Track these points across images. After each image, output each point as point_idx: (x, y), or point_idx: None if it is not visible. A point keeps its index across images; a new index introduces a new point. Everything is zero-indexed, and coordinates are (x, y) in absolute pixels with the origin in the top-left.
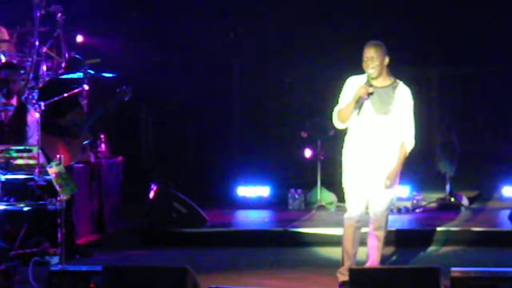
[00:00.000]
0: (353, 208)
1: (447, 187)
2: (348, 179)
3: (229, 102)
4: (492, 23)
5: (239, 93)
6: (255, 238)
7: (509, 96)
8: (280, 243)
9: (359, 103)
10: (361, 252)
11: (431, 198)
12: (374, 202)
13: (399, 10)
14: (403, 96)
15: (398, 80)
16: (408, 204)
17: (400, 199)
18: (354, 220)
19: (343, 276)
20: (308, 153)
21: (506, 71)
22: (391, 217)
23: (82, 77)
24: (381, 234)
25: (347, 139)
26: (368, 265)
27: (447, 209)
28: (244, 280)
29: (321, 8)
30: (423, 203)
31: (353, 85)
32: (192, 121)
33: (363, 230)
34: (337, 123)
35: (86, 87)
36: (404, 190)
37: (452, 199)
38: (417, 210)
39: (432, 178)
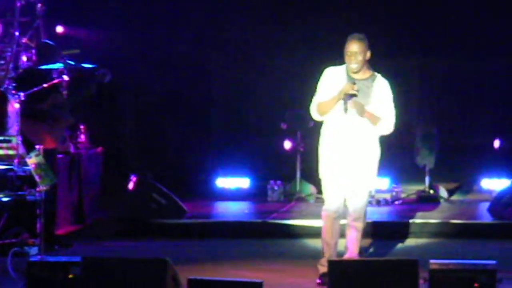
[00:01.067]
0: (331, 199)
1: (427, 180)
2: (325, 171)
3: (208, 94)
4: (472, 17)
5: (219, 84)
6: (234, 230)
7: (488, 89)
8: (259, 235)
9: (345, 101)
10: (341, 244)
11: (411, 191)
12: (352, 194)
13: (379, 2)
14: (382, 88)
15: (376, 73)
16: (388, 196)
17: (379, 191)
18: (332, 211)
19: (323, 267)
20: (287, 144)
21: (486, 64)
22: (370, 209)
23: (61, 67)
24: (360, 225)
25: (324, 131)
26: (346, 256)
27: (426, 201)
28: (223, 272)
29: (299, 0)
30: (403, 195)
31: (331, 76)
32: (171, 113)
33: (342, 222)
34: (316, 115)
35: (66, 78)
36: (384, 182)
37: (431, 192)
38: (396, 202)
39: (412, 171)
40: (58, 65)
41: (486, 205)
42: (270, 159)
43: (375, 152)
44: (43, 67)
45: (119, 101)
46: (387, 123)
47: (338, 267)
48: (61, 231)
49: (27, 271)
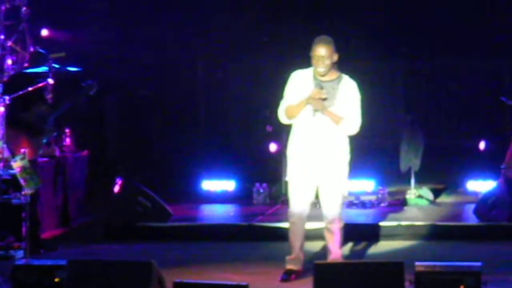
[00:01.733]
0: (296, 202)
1: (412, 182)
2: (293, 173)
3: (194, 96)
4: (458, 19)
5: (204, 87)
6: (220, 233)
7: (473, 90)
8: (245, 238)
9: (313, 105)
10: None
11: (396, 193)
12: (326, 198)
13: (362, 5)
14: (348, 89)
15: (343, 74)
16: (373, 198)
17: (365, 193)
18: (296, 214)
19: (288, 264)
20: (273, 147)
21: (472, 66)
22: (356, 212)
23: (47, 71)
24: (336, 227)
25: (293, 134)
26: (330, 259)
27: (411, 203)
28: (209, 275)
29: (285, 3)
30: (388, 197)
31: (298, 79)
32: (157, 116)
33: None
34: (284, 119)
35: (51, 81)
36: (369, 185)
37: (417, 193)
38: (382, 204)
39: (397, 173)
40: (44, 68)
41: (471, 207)
42: (255, 162)
43: (345, 153)
44: (28, 70)
45: (105, 105)
46: (351, 123)
47: (324, 269)
48: (47, 235)
49: (12, 275)
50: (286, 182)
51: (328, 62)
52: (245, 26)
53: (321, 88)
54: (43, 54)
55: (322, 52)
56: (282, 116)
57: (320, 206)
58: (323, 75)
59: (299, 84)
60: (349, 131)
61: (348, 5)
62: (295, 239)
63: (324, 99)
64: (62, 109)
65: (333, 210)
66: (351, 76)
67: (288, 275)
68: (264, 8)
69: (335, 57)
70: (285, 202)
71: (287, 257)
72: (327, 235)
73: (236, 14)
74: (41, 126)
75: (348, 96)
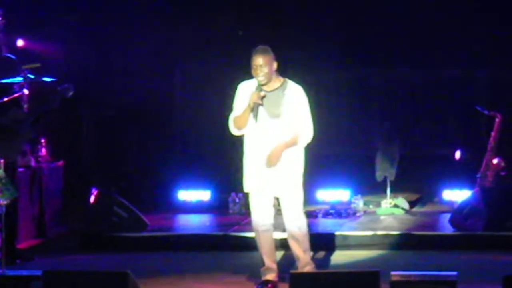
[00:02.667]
0: (255, 214)
1: (388, 191)
2: (249, 185)
3: (170, 106)
4: (434, 27)
5: (180, 96)
6: (195, 242)
7: (449, 99)
8: (221, 247)
9: (254, 110)
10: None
11: (372, 202)
12: (284, 206)
13: (337, 13)
14: (293, 95)
15: (287, 80)
16: (349, 208)
17: (340, 202)
18: (258, 225)
19: (264, 275)
20: None
21: (447, 75)
22: (331, 221)
23: (22, 81)
24: (298, 234)
25: (245, 146)
26: (300, 266)
27: (387, 213)
28: (184, 285)
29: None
30: (363, 207)
31: (244, 91)
32: (132, 125)
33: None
34: (234, 130)
35: (26, 91)
36: (344, 194)
37: (393, 203)
38: (357, 214)
39: (373, 182)
40: (18, 79)
41: (447, 216)
42: (231, 172)
43: (297, 161)
44: (3, 81)
45: (80, 114)
46: (304, 134)
47: (299, 279)
48: (23, 245)
49: None
50: None
51: (266, 70)
52: (221, 37)
53: (260, 90)
54: (13, 60)
55: (260, 61)
56: (232, 128)
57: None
58: (263, 84)
59: (244, 95)
60: (306, 141)
61: (323, 13)
62: (263, 250)
63: (264, 97)
64: (39, 112)
65: (295, 219)
66: (296, 82)
67: (264, 285)
68: (237, 15)
69: (275, 65)
70: None
71: (261, 269)
72: (292, 243)
73: (211, 25)
74: (18, 130)
75: (295, 101)
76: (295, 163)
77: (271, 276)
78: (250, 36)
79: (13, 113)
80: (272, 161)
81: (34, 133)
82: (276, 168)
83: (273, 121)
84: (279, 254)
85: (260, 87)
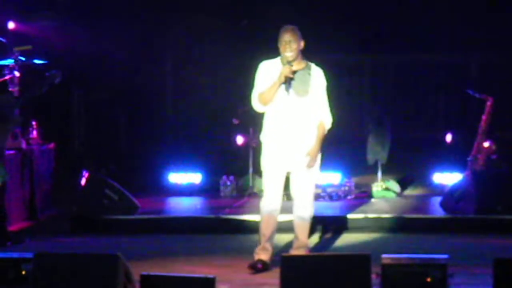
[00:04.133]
0: (270, 190)
1: (379, 174)
2: (269, 161)
3: (161, 89)
4: (426, 11)
5: (172, 79)
6: (187, 225)
7: (440, 83)
8: (212, 230)
9: (285, 84)
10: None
11: (363, 185)
12: (296, 184)
13: None
14: (318, 77)
15: (310, 63)
16: (340, 190)
17: (331, 185)
18: (269, 203)
19: (257, 255)
20: (240, 140)
21: (438, 59)
22: (323, 204)
23: (13, 63)
24: (306, 214)
25: (266, 122)
26: (295, 247)
27: (378, 196)
28: (176, 267)
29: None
30: (355, 190)
31: (267, 69)
32: (123, 108)
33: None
34: (258, 106)
35: (17, 74)
36: (335, 177)
37: (384, 186)
38: (349, 197)
39: (363, 165)
40: (9, 61)
41: (438, 199)
42: (222, 155)
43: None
44: None
45: (71, 97)
46: (328, 120)
47: (291, 262)
48: (14, 227)
49: None
50: (253, 175)
51: (295, 46)
52: (210, 21)
53: (291, 65)
54: (5, 44)
55: (289, 36)
56: (256, 103)
57: (287, 198)
58: (291, 61)
59: (268, 73)
60: (328, 125)
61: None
62: (266, 228)
63: (295, 72)
64: (27, 98)
65: (306, 198)
66: (317, 64)
67: (255, 263)
68: (222, 4)
69: (302, 44)
70: (252, 195)
71: (256, 249)
72: (297, 222)
73: (200, 10)
74: (7, 114)
75: (319, 84)
76: (313, 141)
77: (264, 256)
78: (239, 22)
79: (3, 98)
80: (312, 162)
81: (23, 119)
82: (295, 146)
83: (298, 99)
84: (278, 237)
85: (290, 62)
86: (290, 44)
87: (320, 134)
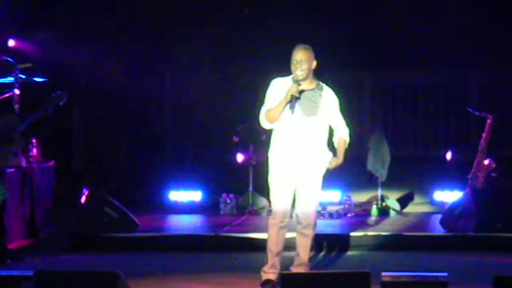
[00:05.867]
0: (278, 207)
1: (379, 192)
2: (275, 178)
3: (161, 107)
4: (424, 29)
5: (172, 97)
6: (186, 243)
7: (440, 100)
8: (212, 248)
9: (291, 102)
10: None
11: (363, 203)
12: (301, 201)
13: (331, 13)
14: (330, 98)
15: (322, 83)
16: (340, 208)
17: (331, 203)
18: (278, 220)
19: (266, 274)
20: (240, 157)
21: (438, 76)
22: (323, 222)
23: (13, 81)
24: (310, 232)
25: (274, 140)
26: (296, 264)
27: (378, 213)
28: (175, 285)
29: (253, 12)
30: (355, 207)
31: (278, 86)
32: (124, 126)
33: (291, 234)
34: (266, 123)
35: (17, 91)
36: (336, 195)
37: (384, 204)
38: (349, 215)
39: (364, 183)
40: (10, 79)
41: (438, 217)
42: (222, 172)
43: (324, 158)
44: None
45: (72, 115)
46: (348, 135)
47: (291, 279)
48: (13, 245)
49: None
50: (252, 192)
51: (306, 66)
52: (211, 35)
53: (299, 84)
54: (11, 63)
55: (300, 56)
56: (264, 120)
57: (291, 215)
58: (301, 80)
59: (279, 90)
60: (348, 139)
61: (317, 15)
62: (275, 246)
63: (302, 92)
64: (32, 120)
65: (310, 215)
66: (328, 85)
67: (267, 285)
68: (225, 18)
69: (314, 64)
70: (252, 212)
71: (264, 268)
72: (299, 239)
73: (202, 23)
74: (11, 135)
75: (331, 103)
76: (319, 158)
77: (273, 275)
78: (237, 42)
79: (6, 118)
80: (333, 166)
81: (25, 142)
82: (302, 164)
83: (307, 119)
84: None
85: (298, 81)
86: (301, 64)
87: (341, 148)
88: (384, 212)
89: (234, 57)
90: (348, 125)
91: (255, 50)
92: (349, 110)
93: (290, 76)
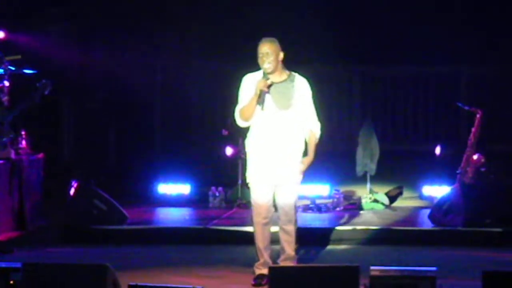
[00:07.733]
0: (257, 203)
1: (368, 186)
2: (253, 175)
3: (151, 100)
4: (413, 23)
5: (161, 90)
6: (175, 236)
7: (430, 95)
8: (201, 241)
9: (261, 98)
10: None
11: (351, 197)
12: (281, 196)
13: (320, 8)
14: (302, 88)
15: (294, 73)
16: (329, 202)
17: (320, 197)
18: (260, 217)
19: (258, 269)
20: (229, 151)
21: (427, 71)
22: (311, 216)
23: (2, 73)
24: (291, 228)
25: (250, 136)
26: (282, 259)
27: (367, 208)
28: (164, 278)
29: (244, 3)
30: (344, 201)
31: (249, 82)
32: (113, 119)
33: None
34: (241, 122)
35: (6, 83)
36: (324, 189)
37: (373, 198)
38: (337, 209)
39: (353, 177)
40: None
41: (427, 211)
42: (211, 166)
43: (300, 151)
44: None
45: (60, 107)
46: (318, 129)
47: (279, 273)
48: (2, 237)
49: None
50: (241, 186)
51: (272, 58)
52: (201, 30)
53: (267, 78)
54: (0, 55)
55: (266, 48)
56: (238, 119)
57: (275, 210)
58: (270, 73)
59: (250, 87)
60: (318, 134)
61: (306, 8)
62: (261, 242)
63: (270, 86)
64: (18, 110)
65: (290, 211)
66: (300, 74)
67: (260, 280)
68: (214, 12)
69: (281, 55)
70: (241, 206)
71: (256, 264)
72: (282, 235)
73: (191, 18)
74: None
75: (303, 95)
76: (295, 152)
77: (266, 270)
78: (228, 33)
79: None
80: (304, 167)
81: (13, 133)
82: (279, 159)
83: (281, 112)
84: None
85: (266, 75)
86: (267, 56)
87: (313, 144)
88: (373, 206)
89: (224, 51)
90: (319, 119)
91: (245, 44)
92: (338, 105)
93: (261, 71)
